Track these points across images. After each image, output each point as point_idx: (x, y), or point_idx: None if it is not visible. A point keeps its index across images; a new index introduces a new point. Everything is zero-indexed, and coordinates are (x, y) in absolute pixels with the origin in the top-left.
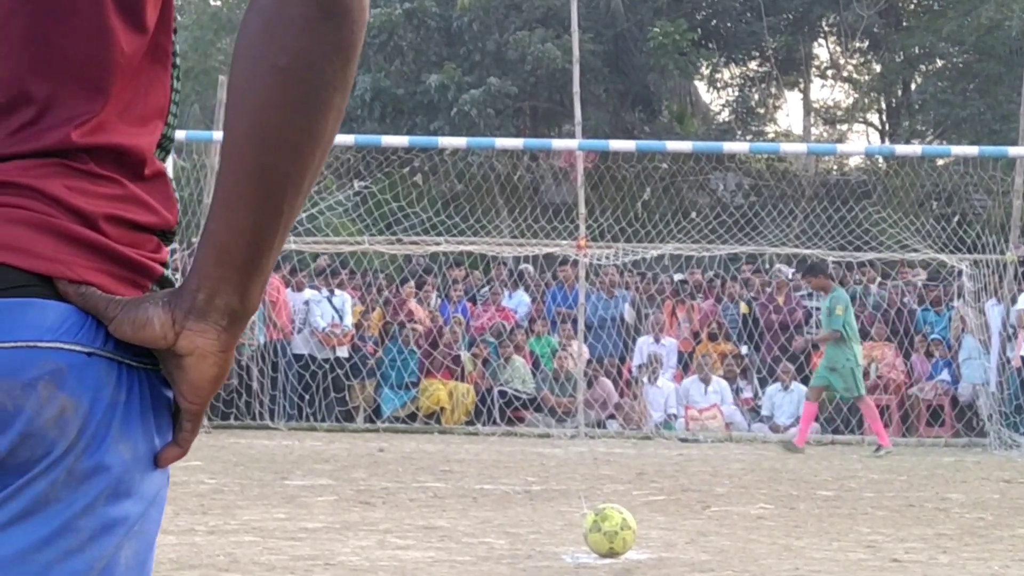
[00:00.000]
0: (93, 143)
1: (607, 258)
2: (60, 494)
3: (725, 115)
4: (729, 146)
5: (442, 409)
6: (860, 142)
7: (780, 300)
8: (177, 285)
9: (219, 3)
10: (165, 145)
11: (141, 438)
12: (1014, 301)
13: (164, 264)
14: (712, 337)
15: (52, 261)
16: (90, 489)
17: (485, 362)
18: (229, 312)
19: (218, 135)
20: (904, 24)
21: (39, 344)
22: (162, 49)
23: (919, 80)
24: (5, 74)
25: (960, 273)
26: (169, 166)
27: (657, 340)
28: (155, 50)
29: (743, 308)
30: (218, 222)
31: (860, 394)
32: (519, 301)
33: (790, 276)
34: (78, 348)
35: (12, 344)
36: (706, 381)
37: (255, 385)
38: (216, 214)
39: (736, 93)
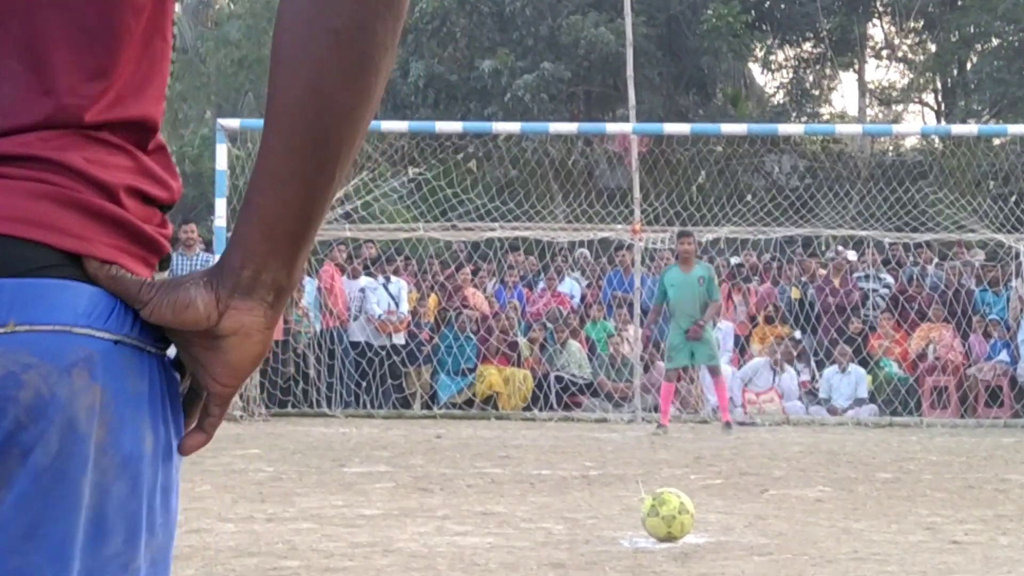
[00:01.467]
0: (108, 113)
1: (662, 242)
2: (84, 486)
3: (779, 97)
4: (784, 128)
5: (497, 394)
6: (916, 123)
7: (836, 282)
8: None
9: None
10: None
11: (162, 427)
12: None
13: (170, 240)
14: (769, 320)
15: (80, 239)
16: (115, 480)
17: (542, 347)
18: (276, 287)
19: None
20: (959, 3)
21: (74, 330)
22: (165, 17)
23: (974, 59)
24: (22, 37)
25: (1018, 254)
26: (223, 155)
27: (714, 324)
28: (159, 18)
29: (795, 293)
30: (268, 195)
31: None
32: (571, 286)
33: (848, 258)
34: (107, 335)
35: (51, 328)
36: (775, 369)
37: (312, 372)
38: (264, 187)
39: (790, 75)
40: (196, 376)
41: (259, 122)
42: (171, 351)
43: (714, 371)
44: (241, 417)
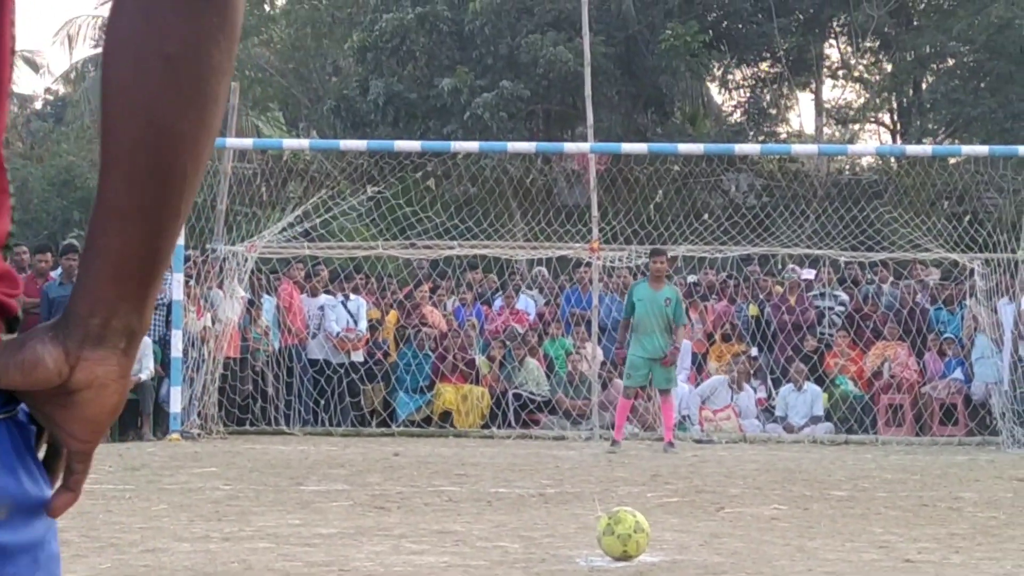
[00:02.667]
0: None
1: (620, 260)
2: None
3: (737, 116)
4: (741, 148)
5: (453, 411)
6: (871, 142)
7: (792, 301)
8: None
9: None
10: None
11: (17, 492)
12: None
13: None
14: (726, 338)
15: None
16: None
17: (500, 365)
18: (128, 333)
19: (232, 141)
20: (915, 23)
21: None
22: (6, 34)
23: (930, 79)
24: None
25: (972, 272)
26: None
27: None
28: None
29: (752, 310)
30: (111, 235)
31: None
32: (528, 304)
33: (804, 277)
34: None
35: None
36: (733, 387)
37: (270, 390)
38: (106, 227)
39: (748, 94)
40: (53, 434)
41: (218, 140)
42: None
43: (664, 392)
44: (199, 435)
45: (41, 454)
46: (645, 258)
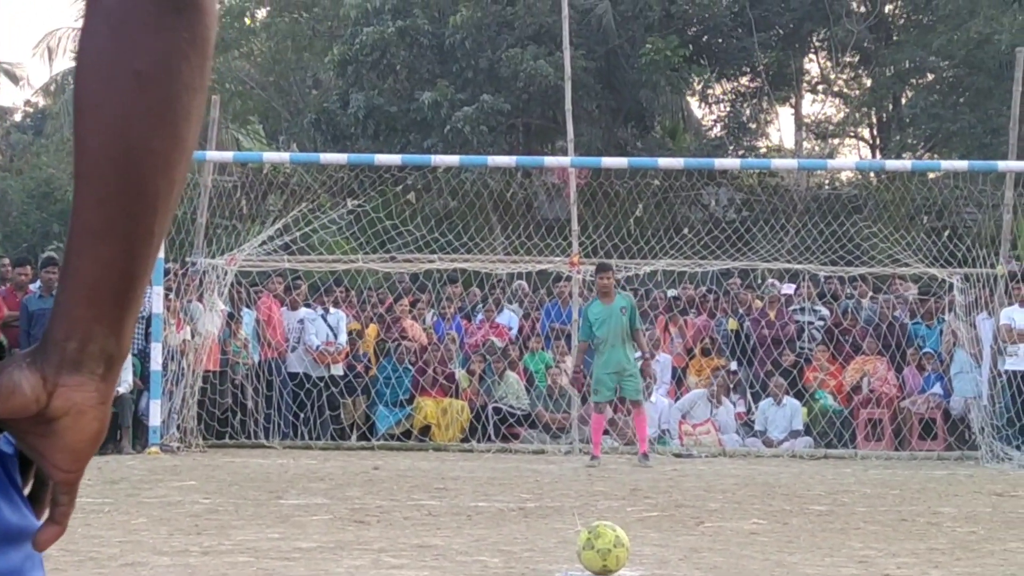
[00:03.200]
0: None
1: None
2: None
3: (717, 130)
4: (720, 162)
5: (433, 425)
6: (851, 157)
7: (772, 315)
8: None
9: None
10: None
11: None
12: None
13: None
14: (705, 352)
15: None
16: None
17: (480, 379)
18: (106, 357)
19: (212, 154)
20: (894, 39)
21: None
22: None
23: (909, 94)
24: None
25: (951, 287)
26: None
27: (652, 356)
28: None
29: (732, 325)
30: (84, 257)
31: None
32: (508, 318)
33: (783, 291)
34: None
35: None
36: (712, 401)
37: (250, 404)
38: (80, 247)
39: (728, 108)
40: (39, 465)
41: (198, 153)
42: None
43: (636, 404)
44: (178, 449)
45: (27, 489)
46: (625, 272)
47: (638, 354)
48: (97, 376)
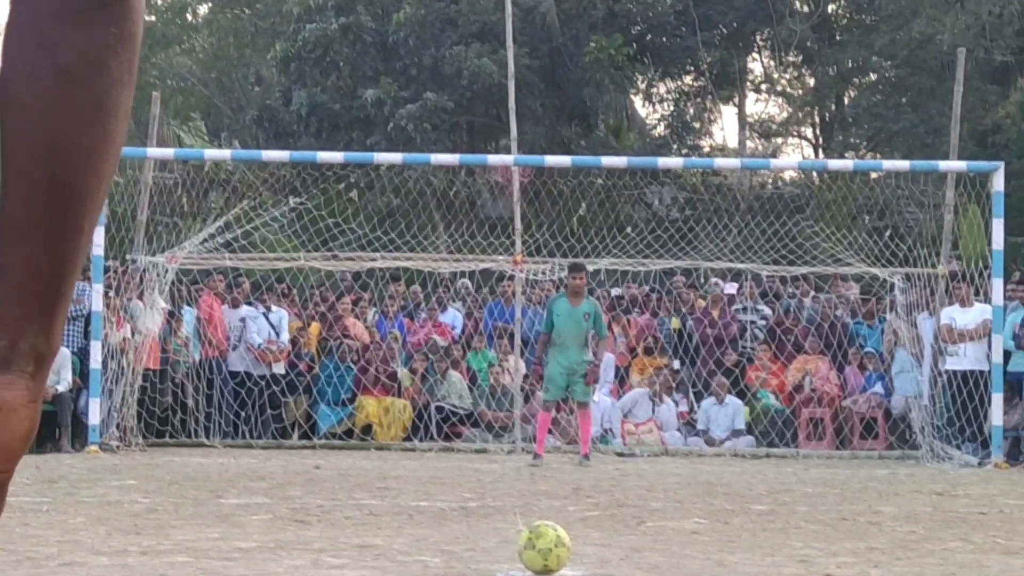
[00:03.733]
0: None
1: (543, 273)
2: None
3: (661, 129)
4: (664, 161)
5: (375, 424)
6: (794, 156)
7: (715, 314)
8: None
9: (153, 18)
10: None
11: None
12: None
13: None
14: (648, 351)
15: None
16: None
17: (422, 378)
18: (36, 355)
19: (153, 151)
20: (837, 38)
21: None
22: None
23: (852, 94)
24: None
25: (892, 287)
26: None
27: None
28: None
29: (674, 324)
30: (11, 254)
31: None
32: (453, 317)
33: (726, 291)
34: None
35: None
36: (654, 400)
37: (190, 403)
38: (6, 248)
39: (672, 107)
40: None
41: (139, 150)
42: None
43: (583, 405)
44: (118, 448)
45: None
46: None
47: (591, 357)
48: (27, 374)
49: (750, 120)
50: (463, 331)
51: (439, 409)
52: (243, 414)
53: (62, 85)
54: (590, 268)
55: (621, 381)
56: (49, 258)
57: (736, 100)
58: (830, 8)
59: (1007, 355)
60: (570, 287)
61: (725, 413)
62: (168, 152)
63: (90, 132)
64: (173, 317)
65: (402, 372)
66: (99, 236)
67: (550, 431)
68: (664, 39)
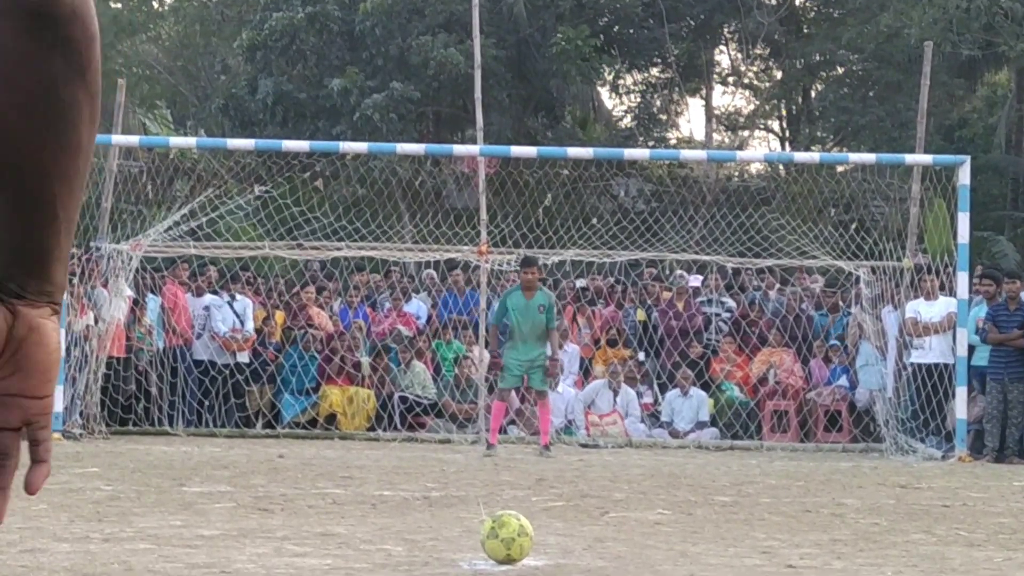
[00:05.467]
0: None
1: (509, 264)
2: None
3: (627, 121)
4: (630, 153)
5: (339, 414)
6: (760, 149)
7: (680, 306)
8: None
9: (119, 5)
10: None
11: None
12: None
13: None
14: (612, 343)
15: None
16: None
17: (386, 367)
18: (61, 287)
19: (118, 139)
20: (804, 31)
21: None
22: None
23: (819, 87)
24: None
25: (858, 280)
26: None
27: (558, 358)
28: None
29: (640, 315)
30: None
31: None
32: (417, 307)
33: (691, 283)
34: None
35: None
36: (615, 390)
37: (154, 391)
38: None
39: (638, 99)
40: (8, 416)
41: (104, 137)
42: None
43: (541, 395)
44: (81, 435)
45: None
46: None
47: (550, 352)
48: (44, 301)
49: (717, 112)
50: (428, 321)
51: (403, 399)
52: (207, 402)
53: (22, 119)
54: (556, 259)
55: (586, 373)
56: (37, 234)
57: (703, 92)
58: (797, 1)
59: (971, 349)
60: (522, 281)
61: (689, 405)
62: (133, 140)
63: (54, 152)
64: (137, 305)
65: (365, 361)
66: None
67: (513, 422)
68: (631, 31)
